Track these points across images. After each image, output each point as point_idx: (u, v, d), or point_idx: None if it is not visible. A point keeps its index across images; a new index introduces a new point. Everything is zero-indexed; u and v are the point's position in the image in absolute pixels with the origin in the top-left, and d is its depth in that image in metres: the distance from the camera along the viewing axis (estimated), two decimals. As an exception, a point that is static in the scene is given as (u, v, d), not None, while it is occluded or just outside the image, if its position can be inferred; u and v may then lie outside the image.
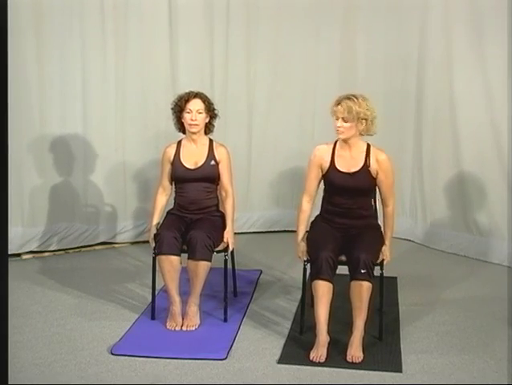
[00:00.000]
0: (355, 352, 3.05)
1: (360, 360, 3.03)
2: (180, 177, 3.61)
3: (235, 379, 2.89)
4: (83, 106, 4.79)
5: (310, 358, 3.04)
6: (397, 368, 2.98)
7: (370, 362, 3.03)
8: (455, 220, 4.99)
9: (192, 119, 3.54)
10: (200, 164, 3.59)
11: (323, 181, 3.39)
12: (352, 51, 5.31)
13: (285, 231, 5.41)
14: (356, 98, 3.19)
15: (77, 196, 4.92)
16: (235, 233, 3.73)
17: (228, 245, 3.57)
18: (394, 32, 5.12)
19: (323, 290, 3.08)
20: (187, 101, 3.55)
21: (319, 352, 3.04)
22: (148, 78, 4.96)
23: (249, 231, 5.51)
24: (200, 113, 3.56)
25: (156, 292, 3.61)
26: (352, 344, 3.07)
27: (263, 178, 5.53)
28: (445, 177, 5.00)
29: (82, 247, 4.96)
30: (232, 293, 3.90)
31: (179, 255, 3.41)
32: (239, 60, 5.25)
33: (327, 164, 3.33)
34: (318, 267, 3.10)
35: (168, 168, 3.65)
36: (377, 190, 3.40)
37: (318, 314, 3.10)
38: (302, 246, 3.35)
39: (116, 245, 5.11)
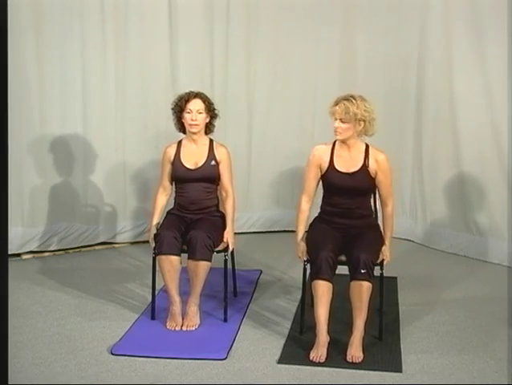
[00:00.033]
0: (355, 352, 3.05)
1: (360, 360, 3.03)
2: (180, 177, 3.61)
3: (235, 379, 2.89)
4: (83, 106, 4.79)
5: (310, 358, 3.04)
6: (397, 368, 2.98)
7: (370, 362, 3.03)
8: (455, 220, 4.99)
9: (192, 119, 3.54)
10: (200, 164, 3.59)
11: (321, 182, 3.39)
12: (352, 51, 5.31)
13: (285, 231, 5.41)
14: (355, 99, 3.19)
15: (77, 196, 4.92)
16: (235, 233, 3.72)
17: (228, 245, 3.57)
18: (394, 32, 5.12)
19: (323, 290, 3.08)
20: (187, 101, 3.55)
21: (319, 352, 3.05)
22: (148, 78, 4.96)
23: (249, 231, 5.51)
24: (200, 113, 3.56)
25: (156, 292, 3.61)
26: (352, 344, 3.07)
27: (263, 178, 5.53)
28: (445, 177, 5.00)
29: (82, 247, 4.96)
30: (232, 293, 3.90)
31: (179, 255, 3.41)
32: (239, 60, 5.25)
33: (325, 164, 3.33)
34: (317, 267, 3.10)
35: (168, 168, 3.65)
36: (376, 190, 3.41)
37: (318, 313, 3.10)
38: (302, 246, 3.35)
39: (116, 245, 5.11)
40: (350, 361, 3.02)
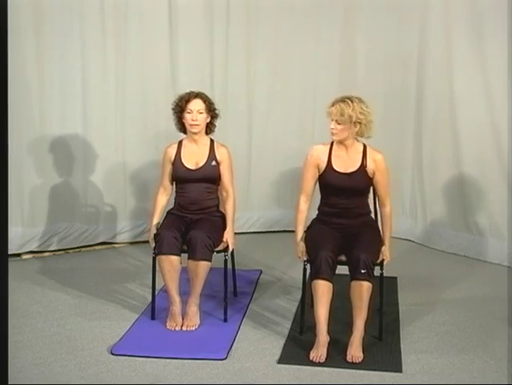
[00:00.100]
0: (355, 352, 3.05)
1: (360, 360, 3.03)
2: (181, 177, 3.61)
3: (235, 379, 2.89)
4: (83, 106, 4.79)
5: (310, 358, 3.04)
6: (397, 368, 2.98)
7: (370, 362, 3.03)
8: (455, 220, 4.99)
9: (193, 120, 3.54)
10: (201, 164, 3.59)
11: (318, 183, 3.39)
12: (352, 51, 5.31)
13: (285, 231, 5.41)
14: (351, 101, 3.19)
15: (77, 196, 4.92)
16: (235, 233, 3.72)
17: (228, 245, 3.57)
18: (394, 32, 5.12)
19: (323, 290, 3.08)
20: (188, 101, 3.55)
21: (319, 352, 3.05)
22: (148, 78, 4.96)
23: (249, 231, 5.51)
24: (201, 113, 3.56)
25: (156, 292, 3.61)
26: (352, 344, 3.07)
27: (263, 178, 5.53)
28: (445, 177, 5.01)
29: (82, 247, 4.96)
30: (232, 293, 3.90)
31: (179, 255, 3.41)
32: (239, 60, 5.25)
33: (323, 164, 3.33)
34: (317, 267, 3.10)
35: (168, 168, 3.65)
36: (373, 190, 3.41)
37: (318, 313, 3.10)
38: (302, 246, 3.35)
39: (116, 245, 5.11)
40: (350, 361, 3.02)
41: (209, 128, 3.67)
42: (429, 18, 4.96)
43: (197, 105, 3.55)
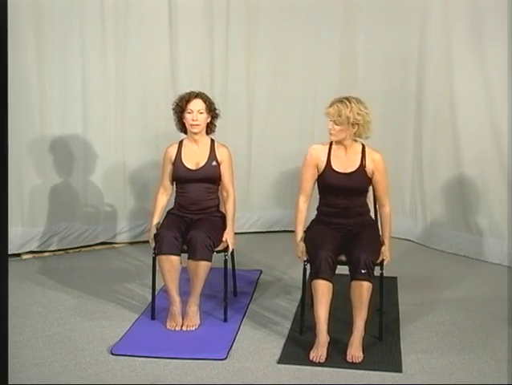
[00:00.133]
0: (355, 352, 3.05)
1: (360, 360, 3.03)
2: (181, 178, 3.61)
3: (235, 379, 2.89)
4: (83, 106, 4.79)
5: (310, 358, 3.04)
6: (397, 368, 2.98)
7: (370, 362, 3.03)
8: (455, 220, 4.99)
9: (193, 120, 3.54)
10: (201, 164, 3.59)
11: (317, 183, 3.39)
12: (352, 51, 5.31)
13: (285, 231, 5.41)
14: (349, 101, 3.18)
15: (77, 196, 4.92)
16: (235, 233, 3.72)
17: (228, 245, 3.57)
18: (394, 32, 5.13)
19: (323, 290, 3.08)
20: (188, 101, 3.55)
21: (319, 352, 3.05)
22: (148, 78, 4.96)
23: (249, 231, 5.51)
24: (201, 113, 3.56)
25: (156, 292, 3.61)
26: (352, 344, 3.07)
27: (263, 178, 5.53)
28: (445, 177, 5.01)
29: (82, 247, 4.96)
30: (232, 293, 3.90)
31: (179, 255, 3.41)
32: (239, 60, 5.25)
33: (323, 164, 3.33)
34: (317, 267, 3.10)
35: (169, 168, 3.65)
36: (371, 191, 3.41)
37: (318, 313, 3.10)
38: (302, 246, 3.35)
39: (116, 245, 5.11)
40: (350, 361, 3.02)
41: (210, 128, 3.67)
42: (429, 18, 4.96)
43: (197, 105, 3.55)
